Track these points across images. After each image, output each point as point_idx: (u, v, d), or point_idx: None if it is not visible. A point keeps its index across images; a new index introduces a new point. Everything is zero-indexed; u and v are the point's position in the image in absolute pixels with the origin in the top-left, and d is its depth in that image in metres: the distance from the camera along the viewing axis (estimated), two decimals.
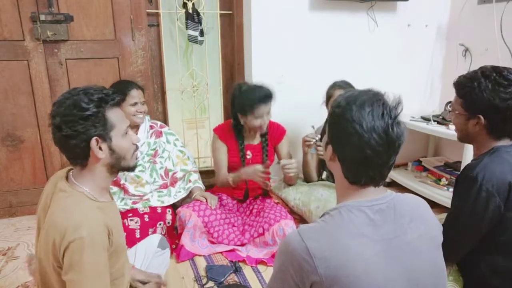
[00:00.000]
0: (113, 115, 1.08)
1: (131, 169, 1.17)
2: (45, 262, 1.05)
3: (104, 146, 1.06)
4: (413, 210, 0.93)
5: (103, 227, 1.03)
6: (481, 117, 1.25)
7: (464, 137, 1.37)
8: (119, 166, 1.12)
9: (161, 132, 2.27)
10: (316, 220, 0.90)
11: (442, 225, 1.08)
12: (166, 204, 2.16)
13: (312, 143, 2.17)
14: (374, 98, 0.87)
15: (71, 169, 1.13)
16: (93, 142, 1.04)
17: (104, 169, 1.10)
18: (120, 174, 2.10)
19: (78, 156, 1.06)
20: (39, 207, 1.14)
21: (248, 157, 2.19)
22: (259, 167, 1.98)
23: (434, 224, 0.95)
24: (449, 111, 1.40)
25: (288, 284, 0.85)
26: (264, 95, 1.99)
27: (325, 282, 0.79)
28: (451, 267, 1.33)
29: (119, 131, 1.09)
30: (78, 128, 1.01)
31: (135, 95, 2.07)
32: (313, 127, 2.26)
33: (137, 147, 1.17)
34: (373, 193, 0.91)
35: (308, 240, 0.82)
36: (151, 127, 2.26)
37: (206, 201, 2.12)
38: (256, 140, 2.21)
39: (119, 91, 2.06)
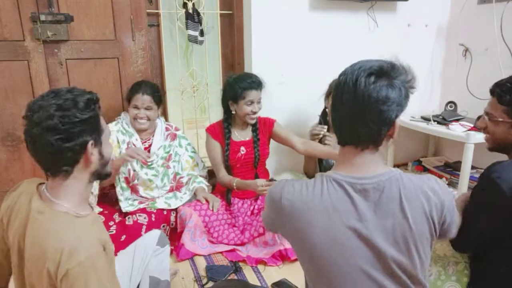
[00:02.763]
0: (101, 119, 1.04)
1: (107, 176, 1.11)
2: (39, 286, 0.97)
3: (95, 150, 1.00)
4: (413, 197, 0.90)
5: (99, 245, 0.94)
6: None
7: (501, 146, 1.30)
8: (101, 172, 1.06)
9: (175, 135, 2.27)
10: (304, 180, 0.95)
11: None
12: (173, 207, 2.16)
13: (321, 134, 2.19)
14: (371, 62, 0.91)
15: (41, 183, 1.04)
16: (90, 145, 0.98)
17: (87, 176, 1.03)
18: (135, 174, 2.11)
19: (67, 162, 0.97)
20: (13, 226, 1.01)
21: (242, 152, 2.20)
22: (262, 181, 1.99)
23: (435, 220, 0.92)
24: (485, 117, 1.32)
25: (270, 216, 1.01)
26: (255, 81, 2.11)
27: (289, 237, 0.98)
28: (455, 267, 1.32)
29: (106, 136, 1.05)
30: (75, 129, 0.94)
31: (138, 98, 2.06)
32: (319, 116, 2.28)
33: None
34: (367, 167, 0.91)
35: (286, 204, 0.92)
36: (167, 129, 2.26)
37: (207, 202, 2.13)
38: (248, 136, 2.23)
39: (132, 90, 2.08)
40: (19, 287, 1.06)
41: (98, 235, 0.97)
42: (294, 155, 2.52)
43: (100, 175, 1.07)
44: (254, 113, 2.12)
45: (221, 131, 2.22)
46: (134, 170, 2.12)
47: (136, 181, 2.13)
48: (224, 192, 2.24)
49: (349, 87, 0.88)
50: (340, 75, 0.93)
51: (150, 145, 2.17)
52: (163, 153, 2.19)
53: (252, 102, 2.10)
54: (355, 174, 0.91)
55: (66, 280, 0.88)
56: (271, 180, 1.98)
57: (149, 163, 2.14)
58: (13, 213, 1.02)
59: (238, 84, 2.08)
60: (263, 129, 2.25)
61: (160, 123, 2.22)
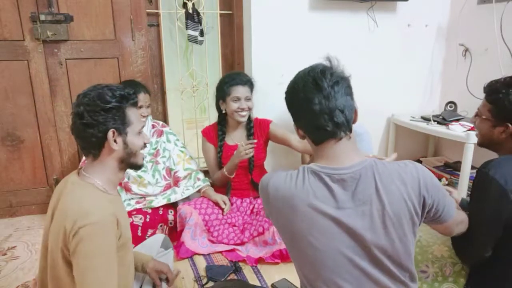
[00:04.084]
0: (132, 113, 1.15)
1: (138, 166, 1.22)
2: (55, 253, 1.06)
3: (119, 139, 1.12)
4: (388, 182, 0.92)
5: (113, 217, 1.06)
6: (510, 126, 1.23)
7: (487, 143, 1.34)
8: (128, 161, 1.17)
9: (162, 132, 2.27)
10: (289, 171, 1.00)
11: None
12: (172, 201, 2.16)
13: None
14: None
15: (81, 168, 1.18)
16: (110, 133, 1.09)
17: (115, 163, 1.14)
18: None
19: (93, 146, 1.11)
20: (50, 205, 1.15)
21: None
22: (242, 143, 2.02)
23: (415, 202, 0.94)
24: (475, 115, 1.38)
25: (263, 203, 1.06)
26: (241, 78, 2.13)
27: (277, 224, 1.03)
28: (452, 268, 1.33)
29: (134, 128, 1.16)
30: (98, 118, 1.07)
31: (141, 98, 2.07)
32: None
33: (145, 147, 1.24)
34: (345, 157, 0.96)
35: (271, 191, 0.98)
36: (153, 126, 2.26)
37: (217, 204, 2.14)
38: (243, 140, 2.22)
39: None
40: (42, 252, 1.16)
41: (115, 211, 1.08)
42: (292, 155, 2.52)
43: (129, 164, 1.18)
44: (242, 109, 2.10)
45: (215, 134, 2.22)
46: None
47: (126, 179, 2.13)
48: (224, 193, 2.24)
49: (311, 87, 0.96)
50: (290, 87, 1.03)
51: None
52: (150, 149, 2.19)
53: (238, 99, 2.09)
54: (333, 165, 0.95)
55: (76, 237, 0.99)
56: (251, 142, 2.00)
57: None
58: (54, 194, 1.15)
59: (225, 81, 2.12)
60: (259, 132, 2.24)
61: (148, 120, 2.22)
